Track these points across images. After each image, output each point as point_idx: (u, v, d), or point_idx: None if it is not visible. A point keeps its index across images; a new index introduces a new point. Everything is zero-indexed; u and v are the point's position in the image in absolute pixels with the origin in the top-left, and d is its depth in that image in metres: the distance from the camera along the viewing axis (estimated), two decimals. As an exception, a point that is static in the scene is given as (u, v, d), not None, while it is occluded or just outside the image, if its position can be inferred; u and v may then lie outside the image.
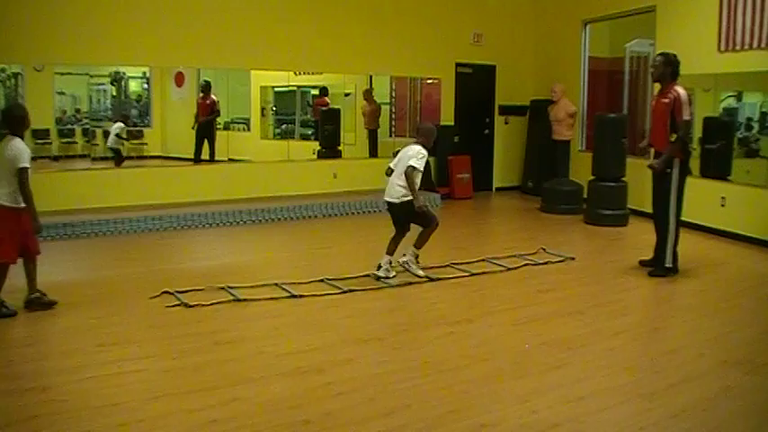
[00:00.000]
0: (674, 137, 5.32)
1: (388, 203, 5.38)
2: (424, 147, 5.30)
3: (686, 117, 5.28)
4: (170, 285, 5.01)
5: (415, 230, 5.46)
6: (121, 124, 9.46)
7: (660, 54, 5.54)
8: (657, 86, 5.66)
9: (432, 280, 5.40)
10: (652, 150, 5.76)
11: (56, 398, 3.18)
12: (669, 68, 5.41)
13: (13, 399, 3.18)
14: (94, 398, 3.20)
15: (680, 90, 5.32)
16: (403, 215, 5.34)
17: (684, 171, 5.44)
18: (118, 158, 9.21)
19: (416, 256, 5.44)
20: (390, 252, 5.39)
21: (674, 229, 5.47)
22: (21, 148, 4.32)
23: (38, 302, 4.53)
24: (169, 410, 3.08)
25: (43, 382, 3.35)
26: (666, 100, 5.37)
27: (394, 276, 5.38)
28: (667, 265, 5.52)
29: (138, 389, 3.33)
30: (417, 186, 5.18)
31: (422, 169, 5.19)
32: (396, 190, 5.27)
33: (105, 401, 3.15)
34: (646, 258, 5.84)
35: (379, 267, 5.37)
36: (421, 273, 5.43)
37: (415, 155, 5.18)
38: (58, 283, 5.31)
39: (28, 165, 4.30)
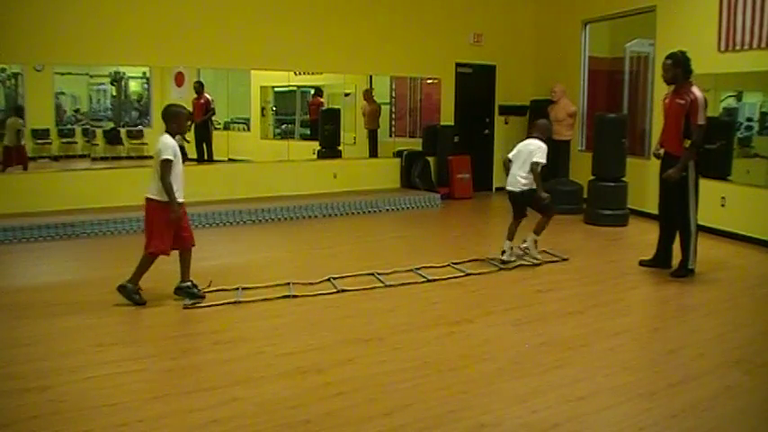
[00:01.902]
0: (687, 143, 5.25)
1: (510, 192, 5.92)
2: (541, 140, 5.81)
3: (701, 122, 5.18)
4: (170, 285, 5.00)
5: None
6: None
7: (668, 57, 5.39)
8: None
9: (538, 264, 5.91)
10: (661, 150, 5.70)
11: (56, 398, 3.18)
12: (680, 69, 5.29)
13: (13, 399, 3.18)
14: (94, 398, 3.20)
15: (697, 93, 5.20)
16: (524, 202, 5.90)
17: (699, 171, 5.38)
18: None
19: (536, 242, 5.98)
20: (510, 237, 5.91)
21: (695, 230, 5.43)
22: (165, 143, 4.55)
23: (186, 291, 4.76)
24: (169, 410, 3.08)
25: (43, 382, 3.35)
26: (682, 101, 5.26)
27: (514, 261, 5.86)
28: (690, 267, 5.48)
29: (138, 389, 3.33)
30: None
31: (545, 162, 5.74)
32: (518, 180, 5.81)
33: (105, 401, 3.15)
34: (646, 258, 5.84)
35: (504, 252, 5.88)
36: (539, 257, 5.96)
37: (537, 149, 5.72)
38: (59, 283, 5.32)
39: (170, 157, 4.49)
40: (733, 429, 3.01)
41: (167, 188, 4.52)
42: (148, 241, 4.64)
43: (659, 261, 5.73)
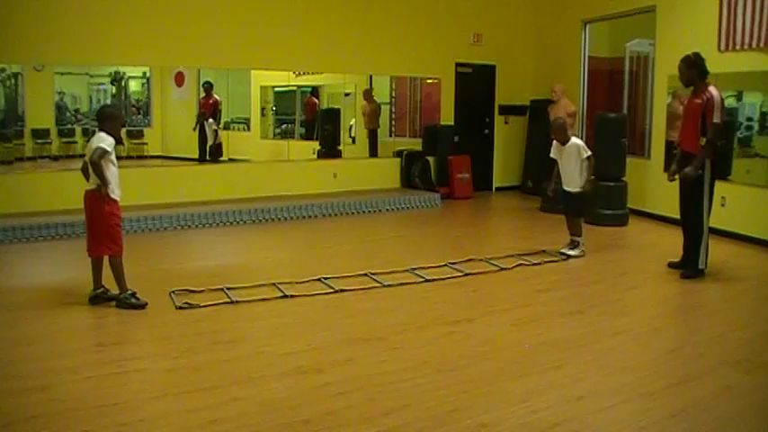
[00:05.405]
0: (703, 141, 5.25)
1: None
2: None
3: (716, 120, 5.17)
4: (169, 285, 5.02)
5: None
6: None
7: (682, 60, 5.40)
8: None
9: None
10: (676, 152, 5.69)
11: (56, 398, 3.19)
12: (694, 70, 5.30)
13: (13, 399, 3.18)
14: (94, 398, 3.21)
15: (714, 92, 5.21)
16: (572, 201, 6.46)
17: (715, 172, 5.35)
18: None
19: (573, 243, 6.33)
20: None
21: (707, 231, 5.42)
22: (100, 136, 4.46)
23: (102, 297, 4.65)
24: (169, 410, 3.08)
25: (43, 382, 3.35)
26: (699, 101, 5.27)
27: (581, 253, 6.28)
28: (700, 267, 5.47)
29: (138, 389, 3.33)
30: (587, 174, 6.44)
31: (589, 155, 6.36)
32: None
33: (105, 401, 3.15)
34: (675, 261, 5.77)
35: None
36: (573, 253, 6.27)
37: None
38: (59, 283, 5.32)
39: (105, 147, 4.37)
40: (732, 429, 3.01)
41: (100, 172, 4.38)
42: (105, 245, 4.57)
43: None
